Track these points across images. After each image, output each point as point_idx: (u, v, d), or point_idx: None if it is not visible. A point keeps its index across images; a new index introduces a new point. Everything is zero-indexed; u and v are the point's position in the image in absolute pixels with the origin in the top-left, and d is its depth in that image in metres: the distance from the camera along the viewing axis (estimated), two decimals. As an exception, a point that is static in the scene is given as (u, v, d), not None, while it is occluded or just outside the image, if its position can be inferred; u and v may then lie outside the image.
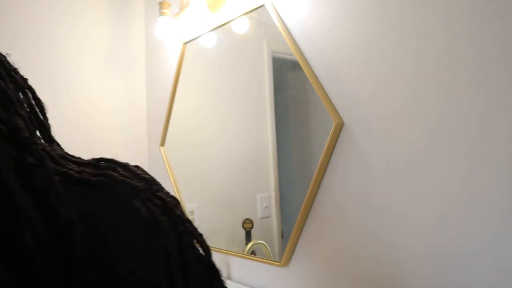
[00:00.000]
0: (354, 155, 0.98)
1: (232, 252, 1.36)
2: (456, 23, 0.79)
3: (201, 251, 0.39)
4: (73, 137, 1.67)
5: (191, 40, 1.58)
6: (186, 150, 1.68)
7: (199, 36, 1.53)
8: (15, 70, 0.44)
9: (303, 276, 1.12)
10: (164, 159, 1.72)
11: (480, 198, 0.76)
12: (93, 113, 1.76)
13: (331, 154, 1.03)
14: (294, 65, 1.13)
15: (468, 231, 0.78)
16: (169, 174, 1.68)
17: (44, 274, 0.28)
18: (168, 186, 1.68)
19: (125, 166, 0.40)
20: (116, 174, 0.36)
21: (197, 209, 1.61)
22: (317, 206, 1.07)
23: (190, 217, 1.58)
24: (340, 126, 1.00)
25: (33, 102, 0.45)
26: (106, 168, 0.37)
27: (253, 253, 1.31)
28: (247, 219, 1.33)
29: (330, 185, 1.04)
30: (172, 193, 1.55)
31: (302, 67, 1.08)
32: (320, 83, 1.05)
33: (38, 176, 0.31)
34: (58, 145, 0.48)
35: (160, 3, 1.57)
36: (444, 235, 0.81)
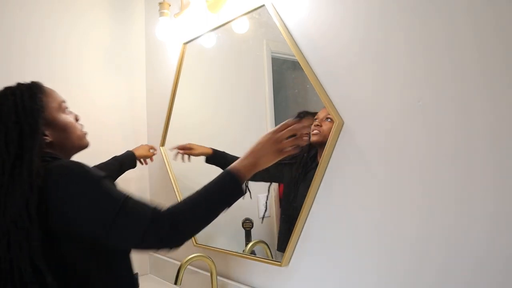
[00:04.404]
0: (354, 154, 0.98)
1: (232, 252, 1.36)
2: (457, 23, 0.79)
3: None
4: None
5: (191, 40, 1.58)
6: (186, 150, 1.68)
7: (199, 36, 1.54)
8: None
9: (303, 276, 1.12)
10: (165, 159, 1.72)
11: (481, 198, 0.76)
12: (93, 113, 1.76)
13: (331, 153, 1.03)
14: (294, 65, 1.13)
15: (468, 231, 0.78)
16: (170, 174, 1.68)
17: None
18: (169, 185, 1.69)
19: None
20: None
21: (197, 209, 1.61)
22: (317, 205, 1.07)
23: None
24: (340, 126, 1.00)
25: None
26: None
27: (253, 253, 1.31)
28: (247, 219, 1.33)
29: (330, 184, 1.04)
30: (172, 192, 1.55)
31: (302, 67, 1.08)
32: (320, 83, 1.05)
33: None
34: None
35: (160, 4, 1.57)
36: (443, 234, 0.82)
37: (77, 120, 1.01)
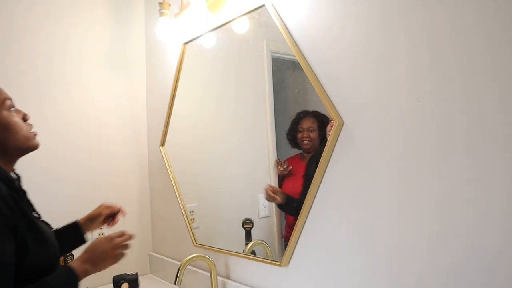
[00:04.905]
0: (354, 154, 0.98)
1: (232, 252, 1.36)
2: (458, 23, 0.79)
3: None
4: (73, 137, 1.66)
5: (191, 40, 1.58)
6: (186, 151, 1.68)
7: (199, 36, 1.54)
8: None
9: (303, 276, 1.12)
10: (165, 159, 1.72)
11: (481, 197, 0.76)
12: (93, 113, 1.76)
13: (331, 153, 1.03)
14: (294, 65, 1.13)
15: (467, 231, 0.78)
16: (170, 174, 1.68)
17: None
18: (169, 186, 1.69)
19: None
20: None
21: (197, 209, 1.61)
22: (317, 206, 1.07)
23: (190, 217, 1.58)
24: (340, 126, 1.00)
25: None
26: None
27: (253, 253, 1.31)
28: (247, 219, 1.33)
29: (330, 184, 1.04)
30: (172, 193, 1.53)
31: (302, 67, 1.08)
32: (320, 83, 1.05)
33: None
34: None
35: (160, 3, 1.57)
36: (443, 234, 0.82)
37: (25, 119, 0.92)
